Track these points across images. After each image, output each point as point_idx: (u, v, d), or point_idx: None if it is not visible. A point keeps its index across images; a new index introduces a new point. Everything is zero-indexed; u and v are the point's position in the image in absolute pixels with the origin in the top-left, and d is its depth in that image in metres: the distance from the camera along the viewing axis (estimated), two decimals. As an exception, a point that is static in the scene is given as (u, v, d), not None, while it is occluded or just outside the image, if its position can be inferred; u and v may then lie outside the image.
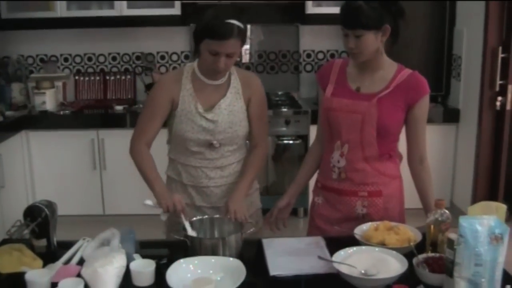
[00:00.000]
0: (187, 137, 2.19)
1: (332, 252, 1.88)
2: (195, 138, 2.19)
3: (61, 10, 4.46)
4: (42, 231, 1.93)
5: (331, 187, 2.21)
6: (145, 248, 1.96)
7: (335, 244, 1.95)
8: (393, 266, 1.75)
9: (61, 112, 4.42)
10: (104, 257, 1.71)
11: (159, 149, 2.36)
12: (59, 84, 4.63)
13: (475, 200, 4.25)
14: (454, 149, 4.61)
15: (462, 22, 4.56)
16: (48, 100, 4.40)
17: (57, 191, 4.40)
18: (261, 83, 2.32)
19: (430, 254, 1.82)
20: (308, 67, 5.07)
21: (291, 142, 4.48)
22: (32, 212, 1.93)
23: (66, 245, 1.98)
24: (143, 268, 1.76)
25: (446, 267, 1.66)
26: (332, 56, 5.03)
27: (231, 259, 1.83)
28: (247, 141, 2.35)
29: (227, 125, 2.20)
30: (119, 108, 4.48)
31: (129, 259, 1.80)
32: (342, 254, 1.85)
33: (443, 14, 4.64)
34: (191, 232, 1.98)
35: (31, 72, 4.86)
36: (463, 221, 1.59)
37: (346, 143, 2.13)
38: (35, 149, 4.40)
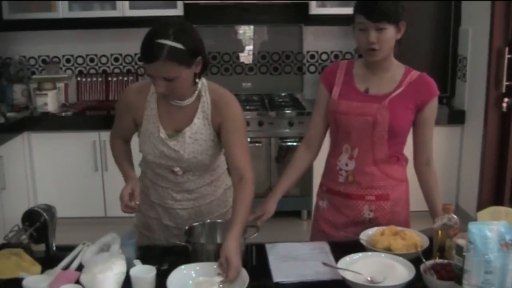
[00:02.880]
0: (149, 159, 2.07)
1: (337, 258, 1.85)
2: (157, 162, 2.06)
3: (63, 11, 4.43)
4: (41, 235, 1.90)
5: (337, 190, 2.17)
6: (146, 253, 1.92)
7: (340, 249, 1.92)
8: (400, 272, 1.71)
9: (63, 114, 4.40)
10: (103, 263, 1.68)
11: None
12: (61, 85, 4.59)
13: (481, 202, 4.22)
14: (459, 151, 4.56)
15: (467, 22, 4.51)
16: (50, 102, 4.36)
17: (59, 193, 4.40)
18: (237, 105, 2.03)
19: (438, 260, 1.78)
20: (312, 68, 5.03)
21: (294, 143, 4.44)
22: (31, 217, 1.89)
23: (65, 250, 1.95)
24: (144, 274, 1.71)
25: (454, 274, 1.62)
26: (336, 57, 4.98)
27: (233, 265, 1.78)
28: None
29: (190, 155, 2.01)
30: (121, 109, 4.43)
31: (130, 265, 1.76)
32: (347, 260, 1.81)
33: (448, 14, 4.59)
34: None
35: (33, 73, 4.84)
36: (472, 227, 1.54)
37: (356, 146, 2.09)
38: (37, 151, 4.37)
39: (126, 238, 1.87)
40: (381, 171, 2.10)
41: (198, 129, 2.00)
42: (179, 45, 1.78)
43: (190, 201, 2.14)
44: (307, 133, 2.25)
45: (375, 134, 2.05)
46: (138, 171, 2.22)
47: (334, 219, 2.19)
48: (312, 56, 5.00)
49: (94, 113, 4.53)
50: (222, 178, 2.22)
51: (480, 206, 4.23)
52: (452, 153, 4.54)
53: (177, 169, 2.05)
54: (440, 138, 4.32)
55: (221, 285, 1.68)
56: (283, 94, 4.96)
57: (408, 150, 2.17)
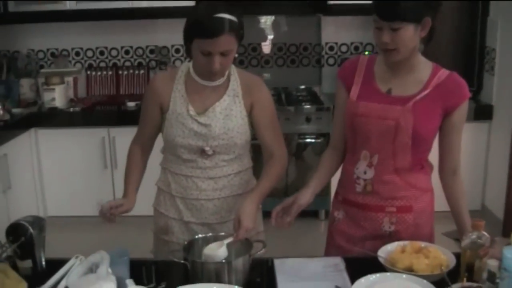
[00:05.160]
0: (177, 142, 2.00)
1: (352, 277, 1.68)
2: (186, 143, 1.99)
3: (70, 3, 4.27)
4: (27, 251, 1.74)
5: (354, 201, 1.98)
6: (141, 271, 1.75)
7: (356, 266, 1.76)
8: None
9: (71, 109, 4.28)
10: (90, 286, 1.51)
11: (153, 159, 2.20)
12: (69, 79, 4.47)
13: (509, 203, 4.02)
14: (486, 147, 4.33)
15: (496, 12, 4.28)
16: (57, 97, 4.23)
17: (67, 191, 4.31)
18: (266, 87, 2.10)
19: (466, 284, 1.58)
20: (331, 61, 4.83)
21: (312, 140, 4.27)
22: (16, 231, 1.73)
23: (56, 264, 1.77)
24: (135, 298, 1.55)
25: (486, 305, 1.43)
26: (356, 49, 4.78)
27: (236, 287, 1.61)
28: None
29: (221, 130, 1.98)
30: (131, 104, 4.30)
31: (122, 286, 1.59)
32: (363, 282, 1.63)
33: (475, 3, 4.36)
34: None
35: (42, 67, 4.73)
36: (507, 252, 1.35)
37: (376, 153, 1.89)
38: (44, 148, 4.26)
39: (118, 255, 1.70)
40: (403, 180, 1.91)
41: (228, 106, 2.00)
42: (234, 19, 1.86)
43: (216, 191, 2.06)
44: (331, 136, 2.11)
45: (397, 140, 1.85)
46: (156, 172, 2.18)
47: (351, 232, 2.01)
48: (331, 48, 4.81)
49: (103, 108, 4.41)
50: (249, 174, 2.15)
51: (508, 207, 4.01)
52: (478, 151, 4.30)
53: (207, 148, 1.99)
54: (466, 135, 3.98)
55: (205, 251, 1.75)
56: (300, 88, 4.80)
57: (433, 155, 1.97)
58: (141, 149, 2.12)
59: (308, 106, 4.27)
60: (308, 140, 4.27)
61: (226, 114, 1.99)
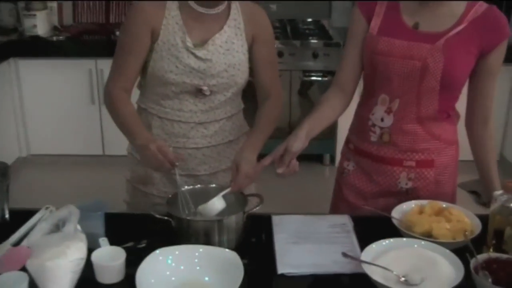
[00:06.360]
0: (168, 79, 1.73)
1: (362, 239, 1.51)
2: (179, 81, 1.73)
3: None
4: (-14, 201, 1.51)
5: (367, 152, 1.76)
6: (119, 227, 1.54)
7: (366, 226, 1.58)
8: (444, 271, 1.34)
9: (55, 38, 4.01)
10: (55, 247, 1.29)
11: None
12: (53, 4, 4.19)
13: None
14: (509, 93, 4.09)
15: None
16: (39, 23, 3.96)
17: (51, 127, 4.11)
18: (268, 19, 1.85)
19: (493, 255, 1.37)
20: (343, -10, 4.54)
21: (319, 78, 4.04)
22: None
23: (23, 216, 1.56)
24: (108, 261, 1.34)
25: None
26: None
27: (226, 250, 1.40)
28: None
29: (222, 67, 1.74)
30: (121, 34, 4.00)
31: (94, 244, 1.39)
32: (374, 248, 1.43)
33: None
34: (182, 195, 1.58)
35: (23, -11, 4.40)
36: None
37: (397, 97, 1.66)
38: (25, 80, 4.01)
39: (93, 208, 1.49)
40: (426, 131, 1.69)
41: (229, 38, 1.77)
42: None
43: (206, 138, 1.84)
44: (338, 74, 1.78)
45: (424, 84, 1.62)
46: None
47: (362, 187, 1.81)
48: (344, -24, 4.51)
49: (91, 38, 4.14)
50: (240, 118, 1.95)
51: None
52: (499, 96, 3.96)
53: (205, 88, 1.76)
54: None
55: (200, 207, 1.55)
56: (308, 20, 4.56)
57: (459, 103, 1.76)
58: (128, 95, 1.75)
59: (315, 41, 4.03)
60: (314, 78, 4.06)
61: (227, 48, 1.76)
